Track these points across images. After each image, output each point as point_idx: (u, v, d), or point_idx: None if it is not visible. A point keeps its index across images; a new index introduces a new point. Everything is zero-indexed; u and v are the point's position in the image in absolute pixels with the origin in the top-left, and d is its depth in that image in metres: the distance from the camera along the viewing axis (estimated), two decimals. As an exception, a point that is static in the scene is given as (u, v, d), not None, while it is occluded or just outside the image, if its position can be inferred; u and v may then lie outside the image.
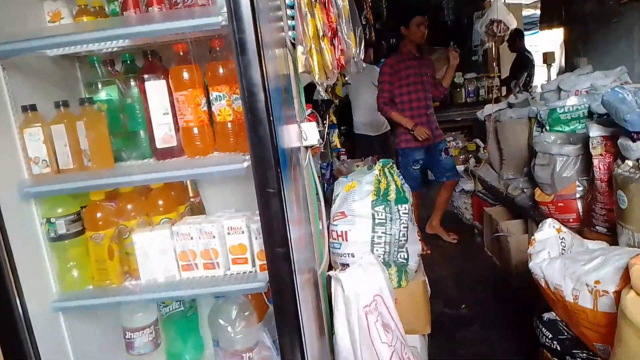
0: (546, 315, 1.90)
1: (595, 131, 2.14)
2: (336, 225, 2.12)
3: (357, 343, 1.77)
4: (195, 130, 1.43)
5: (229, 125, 1.41)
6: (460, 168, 5.50)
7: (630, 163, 1.83)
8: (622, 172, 1.86)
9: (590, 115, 2.60)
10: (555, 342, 1.84)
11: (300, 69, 1.75)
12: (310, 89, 2.15)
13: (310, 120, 1.94)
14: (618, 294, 1.51)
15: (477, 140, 5.91)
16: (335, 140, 3.19)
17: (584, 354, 1.77)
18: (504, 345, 2.56)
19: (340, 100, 2.86)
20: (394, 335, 1.85)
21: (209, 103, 1.46)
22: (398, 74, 3.73)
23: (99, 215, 1.41)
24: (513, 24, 5.14)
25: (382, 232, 2.06)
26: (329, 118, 3.13)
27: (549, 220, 1.99)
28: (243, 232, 1.35)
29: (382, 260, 2.05)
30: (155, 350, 1.60)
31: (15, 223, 1.32)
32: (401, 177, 2.22)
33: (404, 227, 2.08)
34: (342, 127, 5.72)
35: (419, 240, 2.23)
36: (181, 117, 1.44)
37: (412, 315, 2.09)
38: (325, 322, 2.06)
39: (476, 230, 4.21)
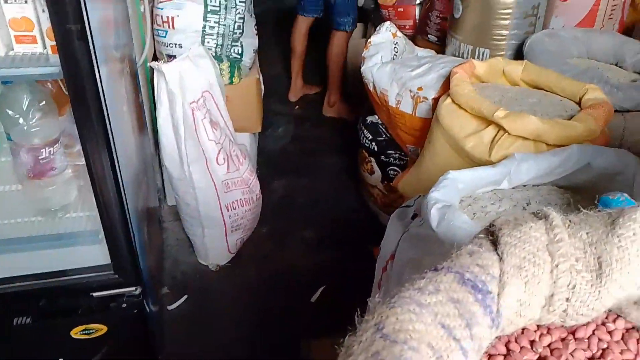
0: (369, 118, 1.99)
1: None
2: (162, 9, 1.82)
3: (182, 139, 1.68)
4: None
5: None
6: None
7: (471, -30, 1.80)
8: (463, -20, 1.84)
9: None
10: (373, 143, 1.96)
11: None
12: None
13: None
14: (436, 101, 1.60)
15: None
16: None
17: (397, 155, 1.93)
18: (331, 142, 2.72)
19: None
20: (222, 132, 1.79)
21: None
22: None
23: None
24: None
25: (215, 22, 1.84)
26: None
27: (387, 23, 1.95)
28: (26, 2, 1.05)
29: (214, 54, 1.88)
30: None
31: None
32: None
33: (239, 18, 1.88)
34: None
35: (256, 34, 2.06)
36: None
37: (243, 113, 2.03)
38: (149, 116, 1.91)
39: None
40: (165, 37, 1.86)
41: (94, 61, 0.98)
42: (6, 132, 1.27)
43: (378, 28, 1.94)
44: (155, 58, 1.97)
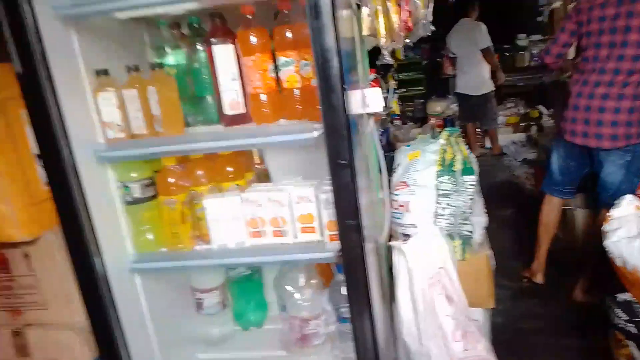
0: (620, 296, 1.81)
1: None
2: (397, 195, 2.07)
3: (420, 314, 1.75)
4: (263, 97, 1.40)
5: (296, 92, 1.38)
6: (521, 136, 5.30)
7: None
8: None
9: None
10: (630, 324, 1.75)
11: (365, 32, 1.68)
12: (372, 53, 2.07)
13: (373, 86, 1.88)
14: None
15: (540, 107, 5.63)
16: (394, 106, 3.09)
17: (661, 338, 1.68)
18: (566, 320, 2.48)
19: (401, 63, 2.75)
20: (457, 308, 1.82)
21: (276, 69, 1.42)
22: (590, 14, 2.38)
23: (171, 180, 1.43)
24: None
25: (447, 204, 1.99)
26: (390, 82, 3.02)
27: (628, 196, 1.87)
28: (311, 202, 1.33)
29: (446, 232, 2.00)
30: (223, 310, 1.64)
31: (93, 186, 1.34)
32: (467, 147, 2.13)
33: (469, 199, 2.01)
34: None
35: (485, 212, 2.15)
36: (249, 83, 1.41)
37: (475, 288, 2.03)
38: (385, 290, 2.05)
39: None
40: (401, 218, 2.07)
41: (364, 248, 1.17)
42: (281, 304, 1.52)
43: (618, 201, 1.87)
44: (390, 237, 2.18)
